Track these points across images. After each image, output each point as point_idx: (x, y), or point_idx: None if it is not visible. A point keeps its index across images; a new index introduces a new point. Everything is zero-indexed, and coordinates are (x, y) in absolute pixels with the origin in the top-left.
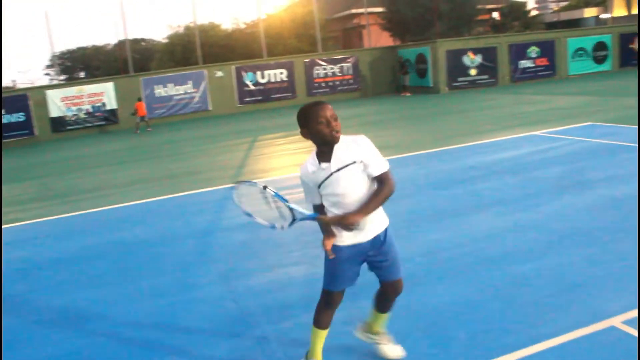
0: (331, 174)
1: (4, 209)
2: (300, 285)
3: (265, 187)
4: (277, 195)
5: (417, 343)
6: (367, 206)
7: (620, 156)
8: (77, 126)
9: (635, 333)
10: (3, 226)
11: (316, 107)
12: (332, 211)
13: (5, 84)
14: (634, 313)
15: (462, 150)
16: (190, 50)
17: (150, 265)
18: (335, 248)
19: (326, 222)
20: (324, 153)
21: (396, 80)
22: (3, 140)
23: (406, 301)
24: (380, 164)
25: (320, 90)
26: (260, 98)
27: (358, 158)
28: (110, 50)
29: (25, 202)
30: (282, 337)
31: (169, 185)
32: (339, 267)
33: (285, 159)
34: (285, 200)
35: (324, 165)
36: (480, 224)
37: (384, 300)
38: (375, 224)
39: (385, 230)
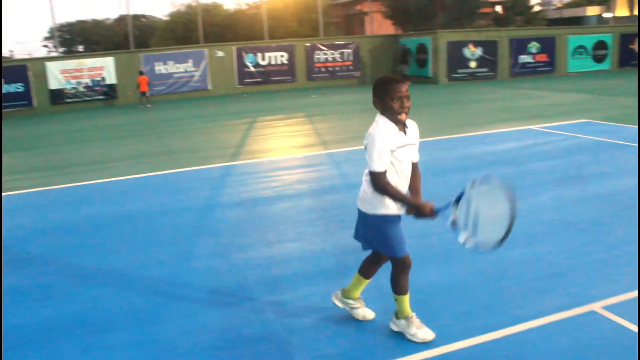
0: (407, 144)
1: (4, 177)
2: (297, 260)
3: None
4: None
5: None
6: (419, 192)
7: (613, 153)
8: (76, 99)
9: (615, 318)
10: (4, 193)
11: (396, 83)
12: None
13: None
14: (614, 299)
15: (457, 140)
16: (191, 29)
17: (150, 236)
18: (390, 217)
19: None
20: (398, 124)
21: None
22: (3, 110)
23: None
24: (418, 154)
25: (320, 75)
26: (260, 80)
27: (417, 141)
28: (110, 25)
29: (25, 171)
30: (279, 308)
31: (168, 161)
32: (400, 231)
33: (284, 140)
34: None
35: (401, 134)
36: None
37: (373, 267)
38: None
39: None
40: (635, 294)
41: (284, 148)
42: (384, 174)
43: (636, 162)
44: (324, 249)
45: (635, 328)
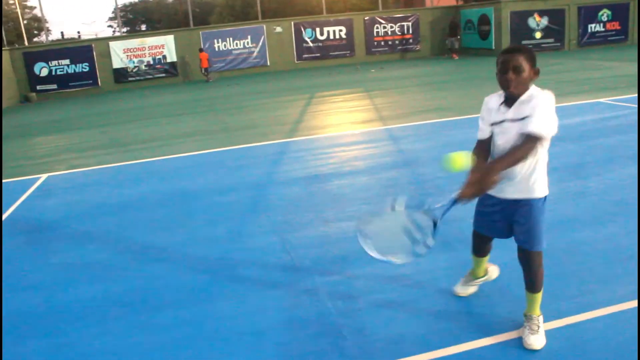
0: (503, 121)
1: (67, 155)
2: (353, 240)
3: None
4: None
5: (474, 302)
6: (495, 163)
7: None
8: (138, 78)
9: None
10: (67, 170)
11: (502, 53)
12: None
13: (70, 34)
14: None
15: None
16: (250, 5)
17: (206, 214)
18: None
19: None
20: (508, 98)
21: (447, 43)
22: (70, 90)
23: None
24: (537, 124)
25: (380, 49)
26: (318, 55)
27: (529, 112)
28: (171, 3)
29: (87, 149)
30: (331, 289)
31: (226, 138)
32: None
33: (342, 116)
34: (422, 208)
35: (503, 109)
36: None
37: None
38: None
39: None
40: None
41: (341, 124)
42: (483, 140)
43: None
44: None
45: None
